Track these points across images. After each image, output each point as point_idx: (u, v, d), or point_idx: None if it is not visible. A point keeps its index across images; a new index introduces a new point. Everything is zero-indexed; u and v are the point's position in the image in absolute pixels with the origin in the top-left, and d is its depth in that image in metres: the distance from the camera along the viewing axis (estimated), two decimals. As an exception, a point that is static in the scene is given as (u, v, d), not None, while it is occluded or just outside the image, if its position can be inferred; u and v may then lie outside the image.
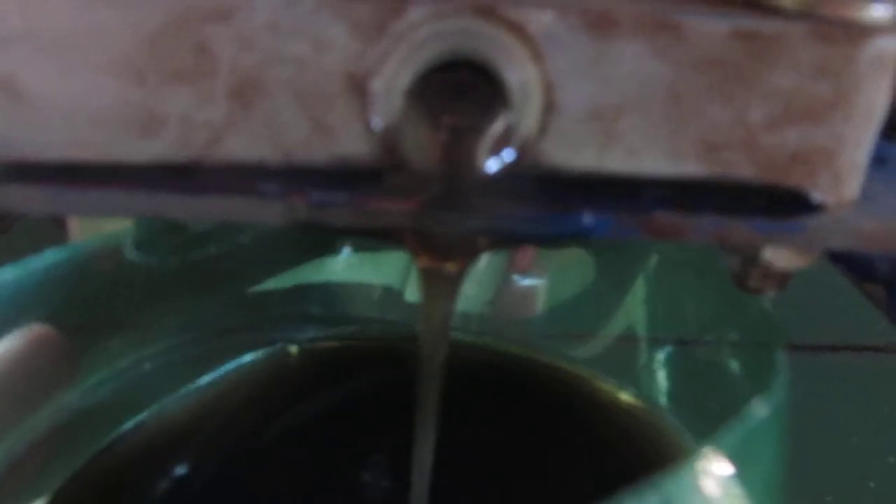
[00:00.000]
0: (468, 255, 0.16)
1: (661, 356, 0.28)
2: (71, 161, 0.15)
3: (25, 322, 0.21)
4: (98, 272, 0.22)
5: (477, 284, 0.31)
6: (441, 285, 0.16)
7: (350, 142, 0.15)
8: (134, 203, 0.16)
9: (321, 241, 0.30)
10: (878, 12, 0.15)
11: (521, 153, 0.15)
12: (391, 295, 0.31)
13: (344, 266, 0.31)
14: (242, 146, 0.15)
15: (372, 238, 0.17)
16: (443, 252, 0.16)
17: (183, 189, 0.15)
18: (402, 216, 0.15)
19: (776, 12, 0.15)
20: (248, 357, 0.28)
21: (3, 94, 0.14)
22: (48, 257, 0.21)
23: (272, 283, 0.29)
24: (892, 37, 0.15)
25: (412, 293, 0.31)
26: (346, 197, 0.15)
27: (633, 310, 0.29)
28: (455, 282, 0.16)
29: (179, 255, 0.25)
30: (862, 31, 0.15)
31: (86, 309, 0.22)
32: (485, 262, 0.31)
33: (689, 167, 0.15)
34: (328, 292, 0.30)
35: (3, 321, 0.20)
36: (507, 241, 0.16)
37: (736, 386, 0.21)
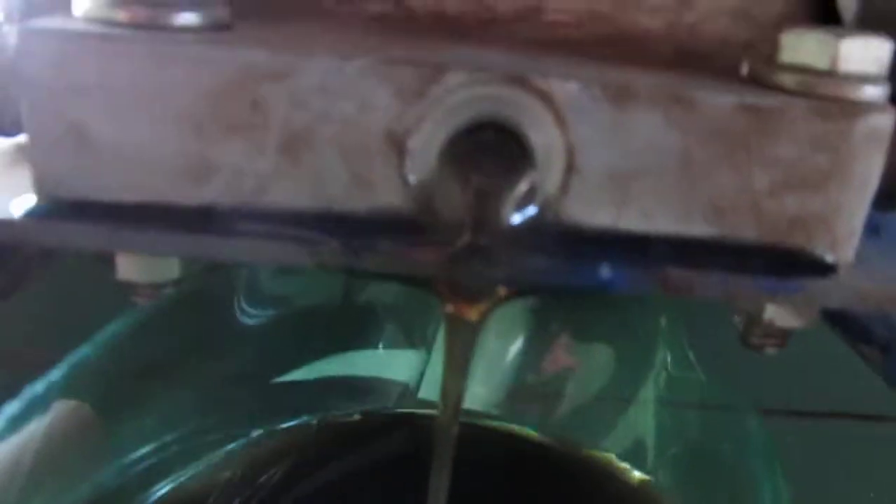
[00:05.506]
0: (492, 301, 0.17)
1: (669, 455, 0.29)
2: (126, 203, 0.16)
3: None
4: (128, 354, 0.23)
5: (486, 388, 0.32)
6: (463, 332, 0.17)
7: (387, 194, 0.16)
8: (179, 243, 0.17)
9: (348, 334, 0.31)
10: (870, 92, 0.16)
11: (544, 210, 0.16)
12: (407, 392, 0.32)
13: (363, 362, 0.32)
14: (287, 195, 0.16)
15: (403, 284, 0.18)
16: (469, 298, 0.17)
17: (223, 233, 0.17)
18: (432, 265, 0.16)
19: (778, 90, 0.17)
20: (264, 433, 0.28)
21: (73, 140, 0.16)
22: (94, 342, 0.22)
23: (296, 375, 0.30)
24: (884, 115, 0.16)
25: (426, 391, 0.32)
26: (384, 245, 0.16)
27: (644, 421, 0.31)
28: (476, 329, 0.17)
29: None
30: (856, 109, 0.16)
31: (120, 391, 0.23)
32: (494, 365, 0.32)
33: (698, 228, 0.17)
34: (348, 387, 0.31)
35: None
36: (528, 290, 0.17)
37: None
